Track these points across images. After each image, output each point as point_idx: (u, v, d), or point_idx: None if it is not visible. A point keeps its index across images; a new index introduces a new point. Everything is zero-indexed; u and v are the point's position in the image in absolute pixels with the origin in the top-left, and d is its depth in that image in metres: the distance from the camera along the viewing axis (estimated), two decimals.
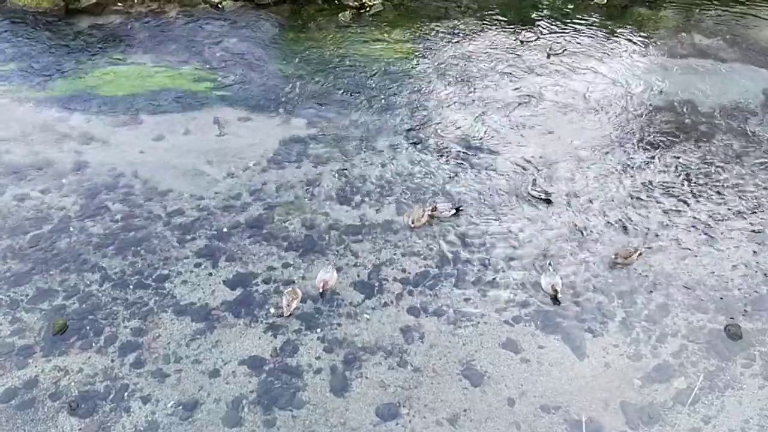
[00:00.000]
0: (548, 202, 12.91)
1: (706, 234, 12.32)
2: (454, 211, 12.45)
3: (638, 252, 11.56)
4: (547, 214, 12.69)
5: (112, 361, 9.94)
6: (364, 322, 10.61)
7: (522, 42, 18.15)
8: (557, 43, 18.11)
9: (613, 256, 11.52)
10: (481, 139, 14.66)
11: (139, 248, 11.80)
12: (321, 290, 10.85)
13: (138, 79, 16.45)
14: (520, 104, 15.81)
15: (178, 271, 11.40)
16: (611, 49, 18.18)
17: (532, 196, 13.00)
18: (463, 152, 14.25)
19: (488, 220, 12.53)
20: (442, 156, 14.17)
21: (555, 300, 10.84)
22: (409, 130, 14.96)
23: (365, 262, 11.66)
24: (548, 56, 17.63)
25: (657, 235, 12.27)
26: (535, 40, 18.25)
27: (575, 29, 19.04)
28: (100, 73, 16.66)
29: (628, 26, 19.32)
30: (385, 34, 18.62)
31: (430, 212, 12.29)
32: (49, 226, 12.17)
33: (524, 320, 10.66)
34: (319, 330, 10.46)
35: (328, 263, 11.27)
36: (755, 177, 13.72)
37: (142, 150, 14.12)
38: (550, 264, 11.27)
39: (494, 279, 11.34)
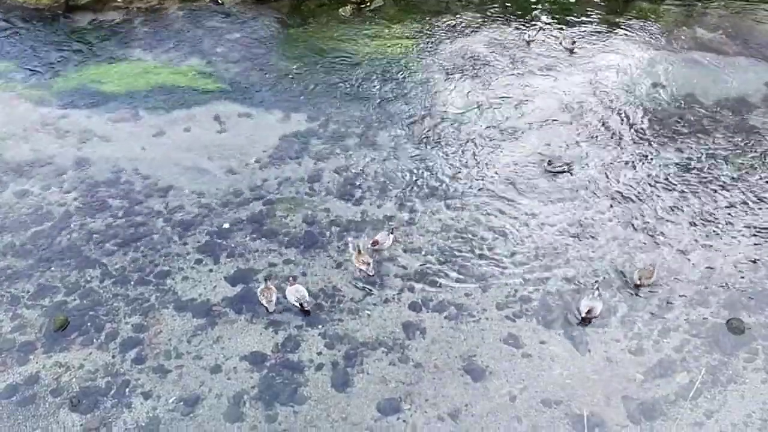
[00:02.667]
0: (570, 172, 13.34)
1: (708, 228, 12.27)
2: (391, 237, 11.65)
3: (654, 268, 11.11)
4: (548, 209, 12.65)
5: (113, 357, 9.95)
6: (365, 317, 10.60)
7: (528, 42, 17.89)
8: (567, 38, 17.98)
9: (638, 280, 10.95)
10: (482, 134, 14.63)
11: (139, 244, 11.80)
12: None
13: (138, 76, 16.42)
14: (520, 99, 15.77)
15: (179, 267, 11.40)
16: (613, 43, 18.10)
17: (551, 172, 13.31)
18: (464, 147, 14.23)
19: (490, 215, 12.50)
20: (442, 150, 14.14)
21: (583, 321, 10.47)
22: (410, 125, 14.92)
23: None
24: (571, 52, 17.52)
25: (659, 230, 12.22)
26: (537, 33, 18.09)
27: (577, 24, 18.97)
28: (100, 69, 16.65)
29: (630, 20, 19.22)
30: (386, 29, 18.56)
31: (371, 246, 11.49)
32: (50, 223, 12.17)
33: (526, 315, 10.63)
34: (320, 326, 10.45)
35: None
36: (758, 171, 13.66)
37: (142, 146, 14.11)
38: (598, 288, 10.65)
39: (495, 274, 11.32)
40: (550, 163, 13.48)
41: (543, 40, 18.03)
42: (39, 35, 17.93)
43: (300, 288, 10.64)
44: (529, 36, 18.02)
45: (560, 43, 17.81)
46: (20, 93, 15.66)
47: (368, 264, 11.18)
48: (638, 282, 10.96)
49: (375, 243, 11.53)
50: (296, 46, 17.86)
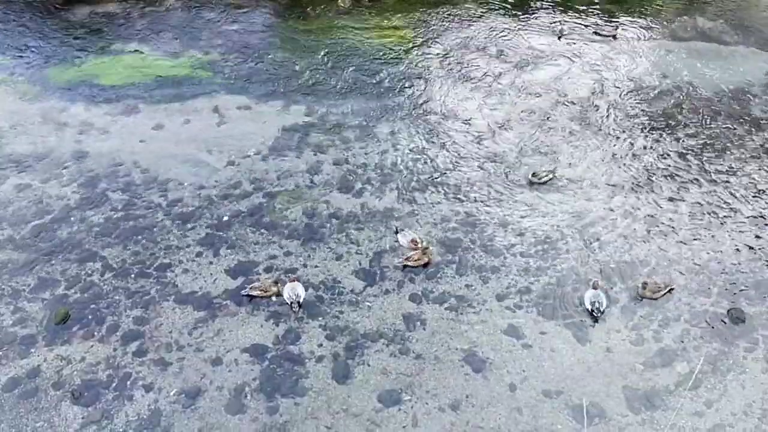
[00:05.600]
0: (554, 177, 13.06)
1: (708, 218, 12.26)
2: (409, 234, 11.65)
3: (669, 288, 10.78)
4: (548, 200, 12.63)
5: (115, 350, 9.96)
6: (366, 309, 10.60)
7: (560, 37, 17.74)
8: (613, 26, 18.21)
9: (641, 287, 10.72)
10: (482, 129, 14.60)
11: (140, 237, 11.79)
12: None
13: (137, 68, 16.36)
14: (516, 94, 15.73)
15: (179, 260, 11.40)
16: (613, 33, 18.00)
17: (536, 183, 12.91)
18: (463, 139, 14.20)
19: (489, 207, 12.49)
20: (443, 144, 14.11)
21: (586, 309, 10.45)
22: (409, 117, 14.87)
23: (366, 250, 11.64)
24: (614, 38, 17.74)
25: (659, 219, 12.21)
26: (564, 27, 17.91)
27: (577, 14, 18.88)
28: (98, 62, 16.59)
29: (631, 10, 19.13)
30: (385, 21, 18.47)
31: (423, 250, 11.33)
32: (50, 216, 12.16)
33: (526, 306, 10.64)
34: (321, 318, 10.46)
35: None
36: (758, 160, 13.62)
37: (141, 139, 14.08)
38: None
39: (495, 266, 11.31)
40: (534, 174, 13.02)
41: (544, 27, 17.97)
42: (37, 28, 17.84)
43: (297, 287, 10.57)
44: (561, 31, 17.89)
45: (596, 33, 17.74)
46: (19, 86, 15.60)
47: (417, 260, 11.17)
48: (641, 293, 10.70)
49: (417, 242, 11.41)
50: (295, 37, 17.77)
